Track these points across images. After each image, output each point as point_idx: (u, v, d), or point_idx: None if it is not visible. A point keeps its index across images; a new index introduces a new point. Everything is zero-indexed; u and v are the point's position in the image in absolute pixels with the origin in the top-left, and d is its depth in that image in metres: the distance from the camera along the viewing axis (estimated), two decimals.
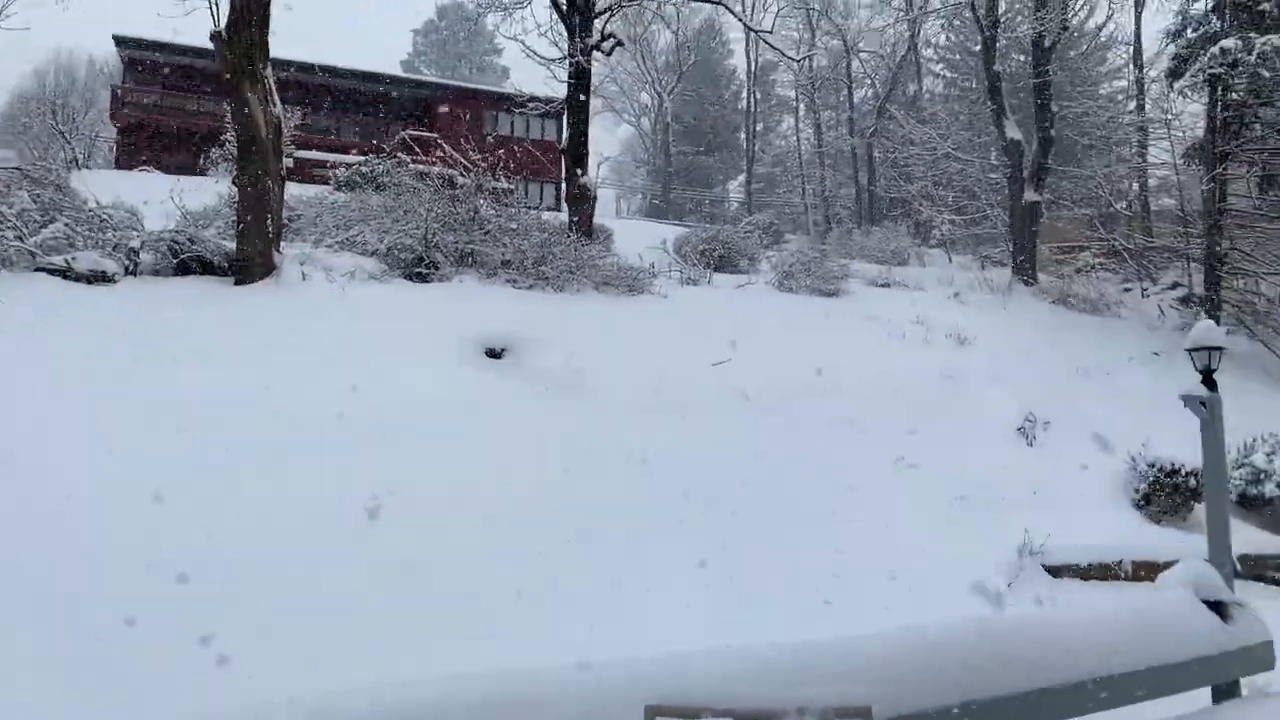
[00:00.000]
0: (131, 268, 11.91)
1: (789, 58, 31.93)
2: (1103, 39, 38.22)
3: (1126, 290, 23.76)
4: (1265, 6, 18.58)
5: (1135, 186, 30.38)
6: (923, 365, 13.29)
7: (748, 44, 46.70)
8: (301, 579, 5.90)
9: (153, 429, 7.06)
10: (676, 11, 40.04)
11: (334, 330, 9.74)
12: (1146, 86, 31.59)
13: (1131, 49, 34.75)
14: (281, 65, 28.60)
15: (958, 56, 42.37)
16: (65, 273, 11.13)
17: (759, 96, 51.79)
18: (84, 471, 6.47)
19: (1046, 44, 23.50)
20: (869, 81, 45.78)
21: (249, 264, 12.02)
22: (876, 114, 39.07)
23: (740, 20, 27.64)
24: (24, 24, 15.94)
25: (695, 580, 6.75)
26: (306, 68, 32.13)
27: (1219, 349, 7.08)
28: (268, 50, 12.76)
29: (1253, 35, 18.24)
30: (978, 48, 28.98)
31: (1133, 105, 33.23)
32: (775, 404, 10.97)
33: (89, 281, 11.15)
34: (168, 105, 32.78)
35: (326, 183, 21.93)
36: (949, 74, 43.71)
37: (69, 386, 7.54)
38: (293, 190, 17.56)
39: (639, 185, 59.64)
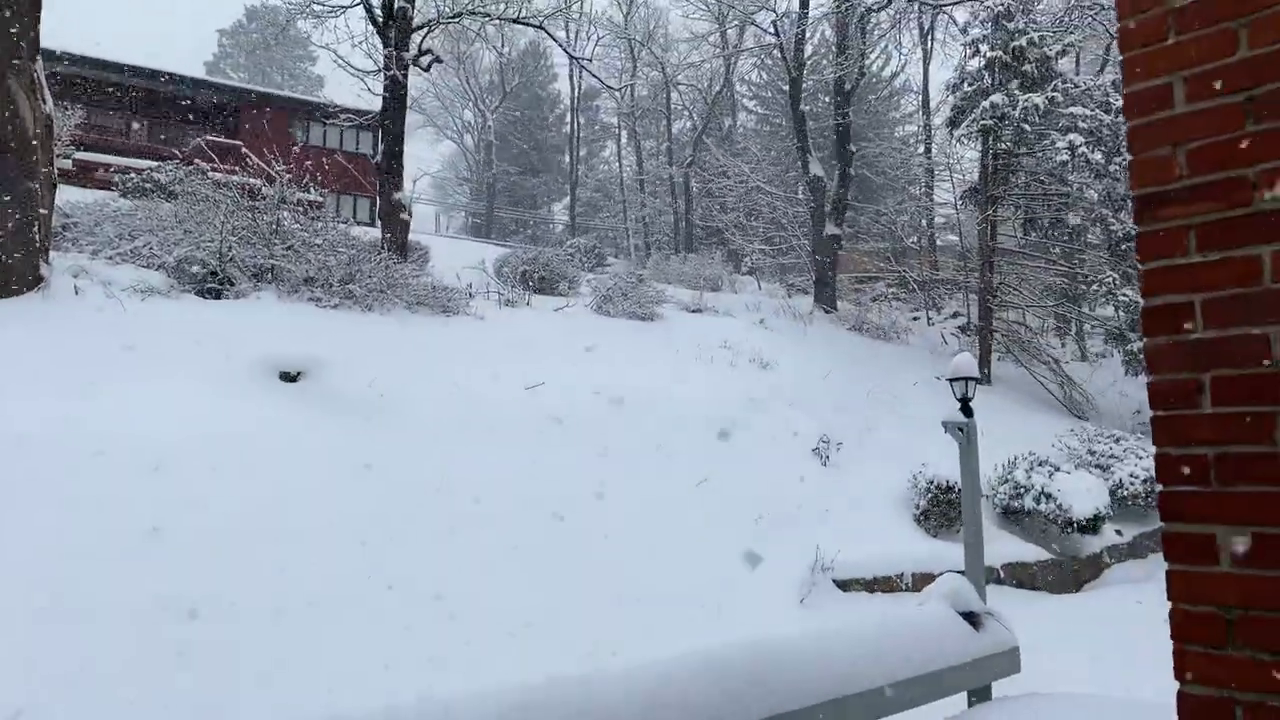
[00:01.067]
0: None
1: (609, 87, 32.64)
2: (896, 86, 41.64)
3: (915, 319, 25.78)
4: (1027, 68, 20.83)
5: (924, 223, 33.11)
6: (729, 388, 13.82)
7: (571, 69, 47.24)
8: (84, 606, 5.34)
9: None
10: (500, 33, 39.92)
11: (106, 351, 8.90)
12: (933, 132, 34.62)
13: (920, 98, 38.10)
14: (59, 59, 26.16)
15: (769, 94, 44.77)
16: None
17: (582, 121, 52.49)
18: None
19: (847, 88, 25.24)
20: (687, 113, 47.45)
21: (9, 275, 10.83)
22: (694, 145, 40.50)
23: (561, 46, 27.93)
24: None
25: (494, 602, 6.66)
26: (91, 62, 29.47)
27: (974, 379, 7.79)
28: (37, 39, 11.62)
29: (1017, 92, 20.42)
30: (787, 87, 30.70)
31: (922, 149, 36.31)
32: (587, 427, 11.05)
33: None
34: None
35: (111, 188, 20.16)
36: (761, 110, 46.09)
37: None
38: (71, 196, 16.04)
39: (461, 203, 58.81)
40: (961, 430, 7.42)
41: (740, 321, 19.00)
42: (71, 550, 6.04)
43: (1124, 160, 18.92)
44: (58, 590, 5.63)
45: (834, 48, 27.48)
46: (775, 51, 31.77)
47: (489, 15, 21.49)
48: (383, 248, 17.02)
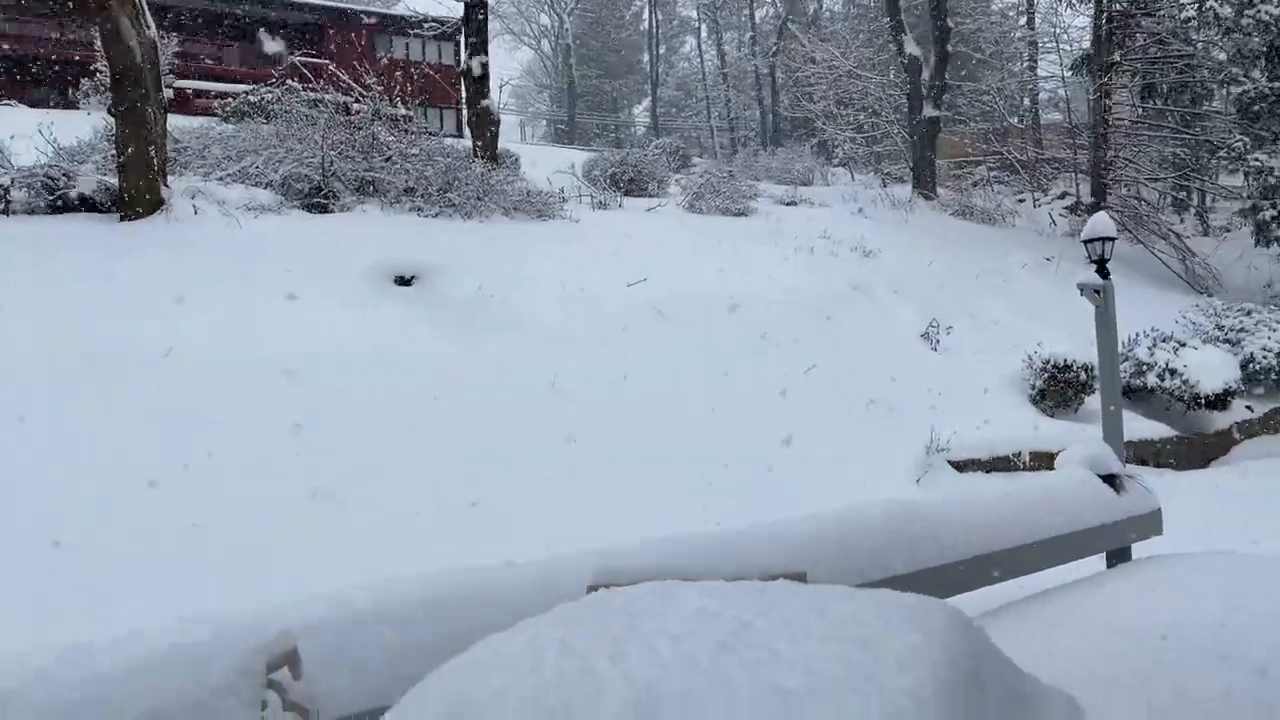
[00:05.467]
0: (3, 207, 11.11)
1: None
2: None
3: (1020, 201, 24.65)
4: None
5: (1026, 101, 31.26)
6: (832, 277, 13.58)
7: None
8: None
9: (61, 374, 6.70)
10: None
11: (235, 263, 9.32)
12: (1036, 1, 32.30)
13: None
14: None
15: None
16: None
17: (660, 17, 50.93)
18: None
19: None
20: (770, 1, 45.46)
21: (134, 198, 11.33)
22: (778, 33, 38.91)
23: None
24: None
25: (651, 477, 6.87)
26: None
27: (1111, 239, 7.43)
28: None
29: None
30: None
31: (1023, 21, 33.99)
32: (691, 320, 11.08)
33: None
34: (27, 34, 30.24)
35: (212, 114, 20.72)
36: None
37: None
38: (176, 122, 16.53)
39: (542, 111, 58.31)
40: (1098, 292, 7.13)
41: (837, 212, 18.52)
42: (220, 458, 6.45)
43: (1258, 13, 17.35)
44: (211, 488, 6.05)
45: None
46: None
47: None
48: (475, 155, 17.12)
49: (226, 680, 1.63)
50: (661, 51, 52.13)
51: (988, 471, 9.84)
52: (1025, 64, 31.07)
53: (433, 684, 1.40)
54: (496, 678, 1.31)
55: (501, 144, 20.14)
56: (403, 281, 9.74)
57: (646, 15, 50.78)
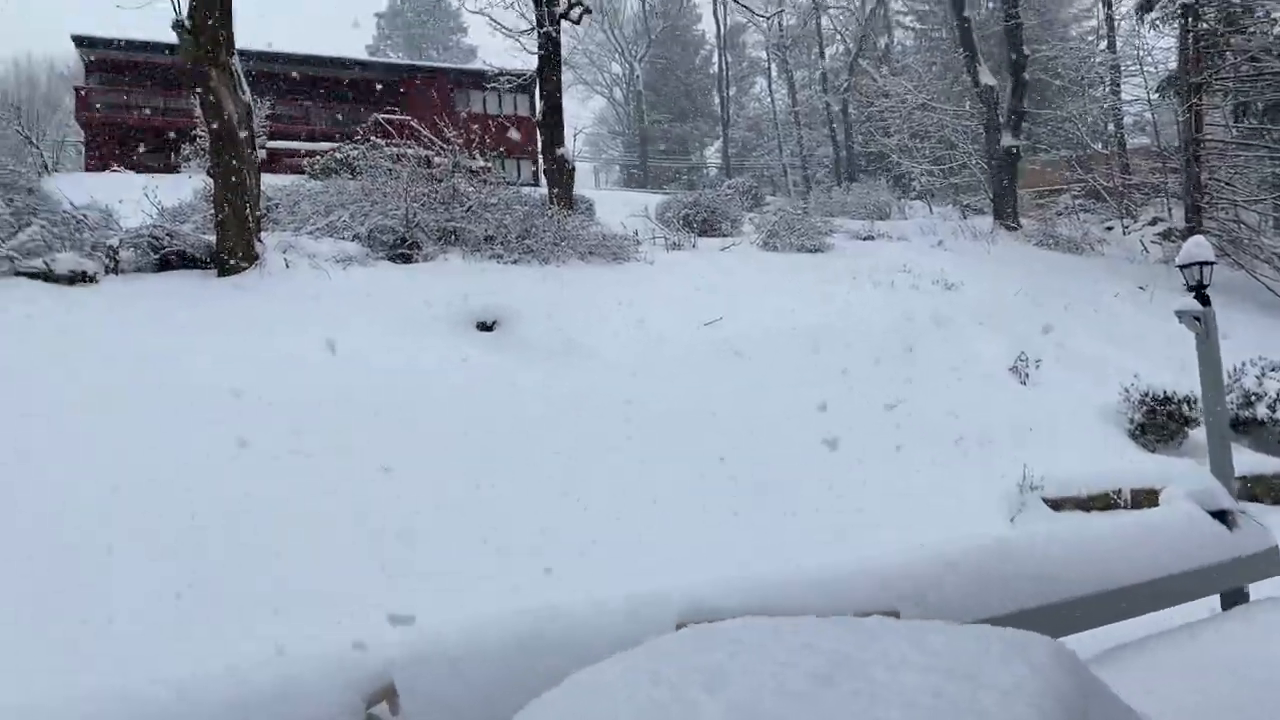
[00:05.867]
0: (112, 266, 11.78)
1: (757, 16, 31.58)
2: None
3: (1108, 229, 23.87)
4: None
5: (1110, 126, 30.42)
6: (913, 311, 13.33)
7: (715, 5, 46.32)
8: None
9: (172, 412, 7.03)
10: None
11: (325, 311, 9.68)
12: (1116, 24, 31.56)
13: None
14: (246, 56, 28.26)
15: (926, 6, 42.18)
16: (45, 275, 10.98)
17: (730, 59, 51.48)
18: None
19: None
20: (839, 38, 45.53)
21: (231, 254, 11.90)
22: (849, 69, 38.89)
23: None
24: None
25: (720, 513, 6.81)
26: (272, 57, 31.62)
27: (1209, 263, 7.12)
28: (232, 37, 12.56)
29: None
30: None
31: (1103, 44, 33.20)
32: (769, 358, 11.00)
33: (70, 282, 11.01)
34: (134, 103, 32.28)
35: (300, 172, 21.71)
36: (918, 25, 43.54)
37: (85, 375, 7.47)
38: (268, 180, 17.36)
39: (615, 157, 59.30)
40: (1198, 319, 6.81)
41: (917, 245, 18.24)
42: (315, 487, 6.64)
43: None
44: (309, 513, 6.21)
45: None
46: None
47: None
48: (550, 203, 17.49)
49: (328, 715, 1.66)
50: (732, 93, 52.60)
51: (1086, 509, 9.41)
52: (1107, 88, 30.29)
53: (528, 716, 1.40)
54: (591, 708, 1.30)
55: (576, 190, 20.53)
56: (484, 327, 9.96)
57: (716, 58, 51.43)
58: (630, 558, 5.83)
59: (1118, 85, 30.05)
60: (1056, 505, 9.39)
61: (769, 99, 52.63)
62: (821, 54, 45.32)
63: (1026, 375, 12.13)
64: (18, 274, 11.00)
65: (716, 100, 52.39)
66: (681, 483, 7.47)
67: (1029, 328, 13.25)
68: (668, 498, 7.09)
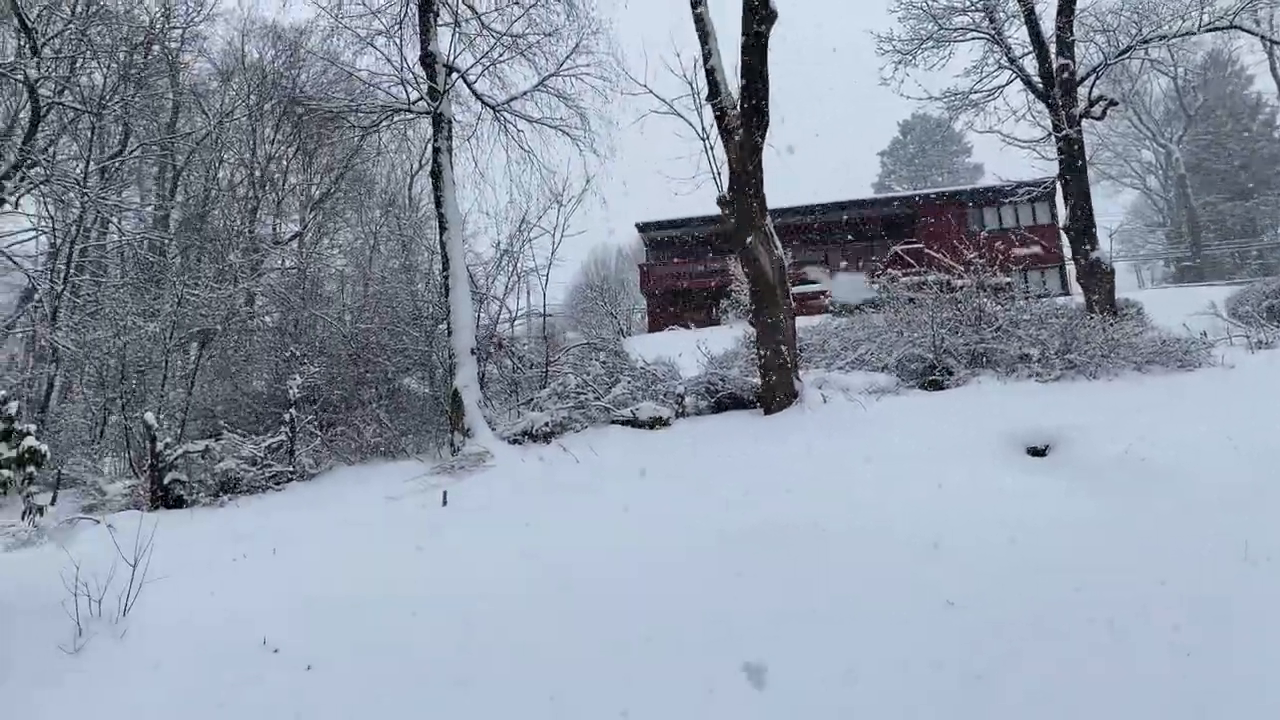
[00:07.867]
0: (680, 410, 13.57)
1: None
2: None
3: None
4: None
5: None
6: None
7: (1272, 62, 39.56)
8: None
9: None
10: (1171, 54, 35.56)
11: (864, 442, 9.86)
12: None
13: None
14: (773, 212, 31.55)
15: None
16: (632, 421, 13.05)
17: None
18: None
19: None
20: None
21: (774, 392, 12.91)
22: None
23: (1261, 37, 23.54)
24: (579, 230, 19.79)
25: None
26: (789, 211, 34.80)
27: None
28: (765, 202, 14.02)
29: None
30: None
31: None
32: None
33: (650, 427, 12.91)
34: (683, 271, 37.78)
35: (826, 310, 23.04)
36: None
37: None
38: (798, 322, 18.74)
39: (1157, 251, 52.66)
40: None
41: None
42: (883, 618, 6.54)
43: None
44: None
45: None
46: None
47: (1164, 36, 19.33)
48: (1090, 310, 15.98)
49: None
50: None
51: None
52: None
53: None
54: None
55: (1117, 293, 18.52)
56: (1035, 452, 9.22)
57: None
58: None
59: None
60: None
61: None
62: None
63: None
64: (612, 422, 13.22)
65: None
66: None
67: None
68: None
